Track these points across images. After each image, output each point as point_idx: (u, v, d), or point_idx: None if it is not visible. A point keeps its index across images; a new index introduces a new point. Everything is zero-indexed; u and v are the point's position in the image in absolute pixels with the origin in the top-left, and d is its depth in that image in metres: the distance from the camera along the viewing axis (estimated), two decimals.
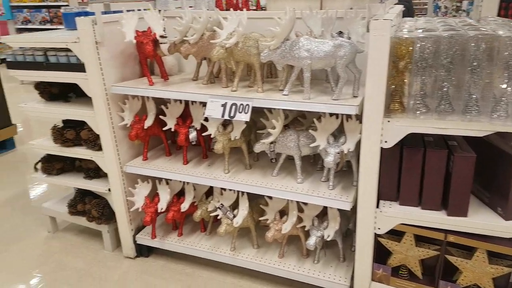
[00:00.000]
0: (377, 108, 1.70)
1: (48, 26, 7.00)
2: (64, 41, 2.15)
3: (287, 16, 1.74)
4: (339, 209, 2.00)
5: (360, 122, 1.81)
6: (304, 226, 2.15)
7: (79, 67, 2.19)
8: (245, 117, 1.91)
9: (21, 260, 2.59)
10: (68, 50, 2.24)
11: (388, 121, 1.73)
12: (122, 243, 2.55)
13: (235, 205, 2.27)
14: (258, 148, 2.07)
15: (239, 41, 1.92)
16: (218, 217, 2.25)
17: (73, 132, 2.43)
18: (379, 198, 1.90)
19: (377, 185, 1.85)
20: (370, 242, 1.94)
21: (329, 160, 1.86)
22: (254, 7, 2.89)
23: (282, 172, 2.19)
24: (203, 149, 2.43)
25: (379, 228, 1.91)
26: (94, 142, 2.37)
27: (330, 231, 2.07)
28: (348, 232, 2.35)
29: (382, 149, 1.78)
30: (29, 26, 7.22)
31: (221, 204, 2.25)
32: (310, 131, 1.95)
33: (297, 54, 1.78)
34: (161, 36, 2.12)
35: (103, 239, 2.64)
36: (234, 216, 2.21)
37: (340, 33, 1.95)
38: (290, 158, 2.19)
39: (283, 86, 2.03)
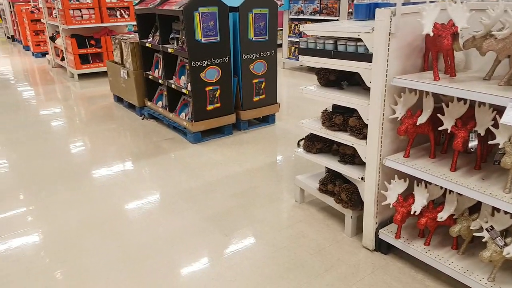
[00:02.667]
0: None
1: (317, 16, 7.74)
2: (357, 31, 2.28)
3: None
4: None
5: None
6: None
7: (365, 57, 2.29)
8: None
9: (272, 218, 3.03)
10: (358, 40, 2.37)
11: None
12: (364, 233, 2.60)
13: (506, 231, 1.91)
14: None
15: None
16: (483, 240, 1.96)
17: (341, 118, 2.60)
18: None
19: None
20: None
21: None
22: None
23: None
24: (478, 159, 2.14)
25: None
26: (359, 130, 2.47)
27: None
28: None
29: None
30: (300, 16, 8.16)
31: (491, 226, 1.93)
32: None
33: None
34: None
35: (344, 222, 2.77)
36: (506, 245, 1.87)
37: None
38: None
39: None
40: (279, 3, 8.66)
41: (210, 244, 2.75)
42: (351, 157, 2.69)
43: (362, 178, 2.53)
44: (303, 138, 3.05)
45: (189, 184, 3.62)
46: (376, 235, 2.52)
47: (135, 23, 6.78)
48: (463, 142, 2.00)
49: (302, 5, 8.04)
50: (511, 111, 1.72)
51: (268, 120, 5.09)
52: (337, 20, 6.74)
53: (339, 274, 2.40)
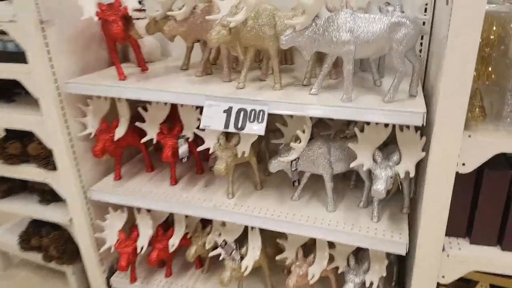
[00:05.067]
0: (456, 116, 1.14)
1: None
2: None
3: None
4: None
5: (422, 135, 1.26)
6: (337, 268, 1.60)
7: (20, 56, 1.55)
8: (258, 129, 1.32)
9: None
10: (3, 33, 1.59)
11: (469, 136, 1.18)
12: (92, 287, 1.96)
13: (242, 239, 1.70)
14: (274, 167, 1.49)
15: (249, 17, 1.31)
16: (220, 258, 1.68)
17: (18, 145, 1.80)
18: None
19: (446, 222, 1.31)
20: None
21: (380, 188, 1.29)
22: None
23: (305, 193, 1.63)
24: (197, 161, 1.83)
25: (443, 277, 1.39)
26: (47, 159, 1.75)
27: (373, 276, 1.52)
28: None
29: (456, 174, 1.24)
30: None
31: (224, 240, 1.67)
32: (349, 144, 1.38)
33: (335, 36, 1.18)
34: (136, 10, 1.50)
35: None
36: (242, 258, 1.64)
37: (388, 5, 1.39)
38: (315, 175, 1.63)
39: (308, 80, 1.45)
40: None
41: None
42: (54, 192, 1.94)
43: (71, 220, 1.85)
44: None
45: None
46: (109, 286, 1.93)
47: None
48: (172, 152, 1.61)
49: None
50: (209, 111, 1.41)
51: None
52: None
53: None
